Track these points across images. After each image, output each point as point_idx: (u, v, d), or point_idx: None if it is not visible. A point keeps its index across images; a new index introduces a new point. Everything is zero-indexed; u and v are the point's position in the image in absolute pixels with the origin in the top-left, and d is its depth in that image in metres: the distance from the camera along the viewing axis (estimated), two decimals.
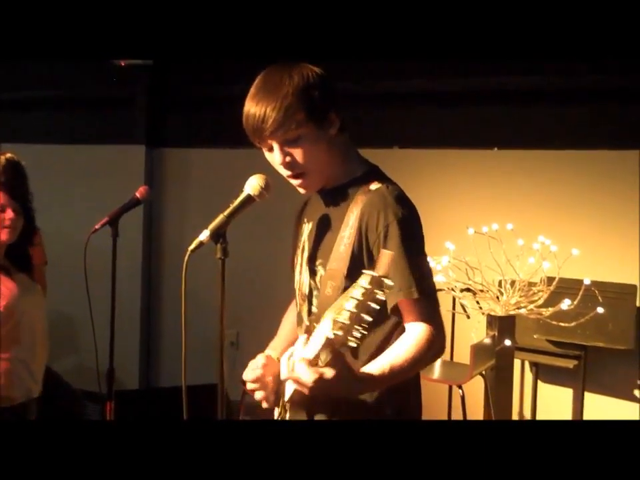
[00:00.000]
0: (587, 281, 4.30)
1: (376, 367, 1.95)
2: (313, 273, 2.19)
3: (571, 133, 5.18)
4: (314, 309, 2.18)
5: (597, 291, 4.43)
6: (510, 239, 4.41)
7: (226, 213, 2.14)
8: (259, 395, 2.21)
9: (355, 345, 1.76)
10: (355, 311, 1.70)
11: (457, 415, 4.83)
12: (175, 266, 6.64)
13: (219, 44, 2.25)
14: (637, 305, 4.82)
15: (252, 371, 2.22)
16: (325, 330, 1.76)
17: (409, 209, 2.07)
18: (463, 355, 4.87)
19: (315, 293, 2.18)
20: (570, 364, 4.96)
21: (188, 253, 2.11)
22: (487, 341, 4.44)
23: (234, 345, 6.00)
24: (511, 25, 2.14)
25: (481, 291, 4.39)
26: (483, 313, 4.58)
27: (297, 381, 1.86)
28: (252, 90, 2.11)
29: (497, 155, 5.41)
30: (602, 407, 5.14)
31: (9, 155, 3.53)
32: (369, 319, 1.71)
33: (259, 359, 2.25)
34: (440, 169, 5.44)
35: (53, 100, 6.62)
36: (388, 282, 1.72)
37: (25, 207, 3.15)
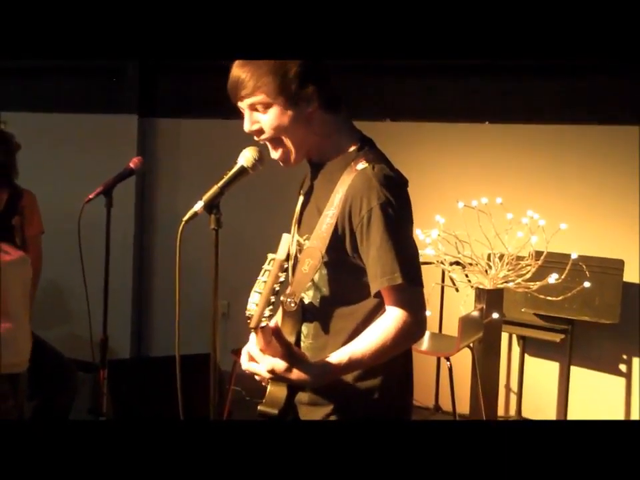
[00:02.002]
0: (574, 256, 4.35)
1: (337, 356, 1.99)
2: (299, 246, 2.21)
3: (561, 108, 5.21)
4: (290, 284, 2.17)
5: (584, 266, 4.49)
6: (499, 213, 4.46)
7: (220, 184, 2.14)
8: (258, 376, 2.18)
9: (265, 324, 1.86)
10: (262, 292, 1.84)
11: (444, 386, 4.88)
12: (167, 236, 6.71)
13: (217, 42, 2.25)
14: (623, 279, 4.85)
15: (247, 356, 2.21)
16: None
17: (395, 191, 2.06)
18: (451, 328, 4.93)
19: (296, 267, 2.17)
20: (557, 338, 5.03)
21: (182, 224, 2.11)
22: (475, 313, 4.49)
23: (225, 316, 6.05)
24: (510, 22, 2.15)
25: (470, 264, 4.44)
26: (472, 287, 4.63)
27: (253, 369, 1.97)
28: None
29: (488, 128, 5.43)
30: (588, 381, 5.21)
31: None
32: (273, 298, 1.84)
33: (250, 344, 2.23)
34: (431, 142, 5.46)
35: (46, 69, 6.59)
36: (286, 265, 1.88)
37: (8, 179, 3.17)
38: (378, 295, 2.04)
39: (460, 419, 4.76)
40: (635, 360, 5.12)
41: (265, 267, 1.87)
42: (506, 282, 4.45)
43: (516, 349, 5.36)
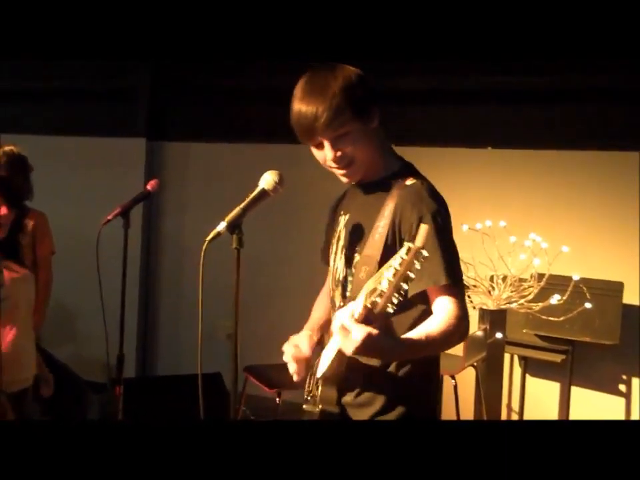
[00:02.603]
0: (575, 277, 4.44)
1: (414, 334, 2.06)
2: (348, 260, 2.33)
3: (563, 134, 5.29)
4: (348, 293, 2.31)
5: (584, 288, 4.57)
6: (502, 236, 4.55)
7: (242, 205, 2.25)
8: (292, 368, 2.37)
9: (392, 311, 1.86)
10: (393, 279, 1.82)
11: (449, 403, 4.94)
12: (173, 258, 6.77)
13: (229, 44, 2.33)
14: (623, 301, 4.93)
15: (292, 346, 2.41)
16: (362, 298, 1.88)
17: (441, 203, 2.20)
18: (455, 348, 4.99)
19: (349, 278, 2.31)
20: (557, 358, 5.08)
21: (206, 243, 2.20)
22: (479, 333, 4.56)
23: (230, 337, 6.10)
24: (509, 26, 2.23)
25: (474, 285, 4.52)
26: (474, 307, 4.70)
27: (346, 337, 1.92)
28: (298, 92, 2.21)
29: (491, 154, 5.53)
30: (588, 401, 5.27)
31: (8, 147, 3.61)
32: (406, 287, 1.82)
33: (301, 336, 2.44)
34: (435, 168, 5.40)
35: (56, 91, 6.67)
36: (424, 252, 1.82)
37: (19, 201, 3.24)
38: (423, 300, 2.15)
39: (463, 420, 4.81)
40: (635, 380, 5.19)
41: (400, 254, 1.84)
42: (509, 303, 4.52)
43: (517, 370, 5.41)
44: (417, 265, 1.82)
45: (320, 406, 2.16)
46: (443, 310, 2.10)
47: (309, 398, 2.32)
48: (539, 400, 5.39)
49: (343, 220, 2.42)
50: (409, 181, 2.22)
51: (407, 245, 1.85)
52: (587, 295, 4.58)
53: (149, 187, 3.52)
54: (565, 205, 5.29)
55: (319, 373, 2.25)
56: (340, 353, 2.06)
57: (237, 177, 6.03)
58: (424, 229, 1.91)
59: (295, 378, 2.36)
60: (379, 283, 1.84)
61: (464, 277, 4.35)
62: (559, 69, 5.06)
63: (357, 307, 1.90)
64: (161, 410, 4.36)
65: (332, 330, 2.13)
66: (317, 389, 2.22)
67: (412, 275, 1.82)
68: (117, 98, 6.54)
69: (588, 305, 4.53)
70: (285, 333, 6.34)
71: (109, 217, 3.41)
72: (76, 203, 6.30)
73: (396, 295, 1.83)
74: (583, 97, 5.13)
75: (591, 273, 4.83)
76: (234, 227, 2.23)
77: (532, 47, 2.33)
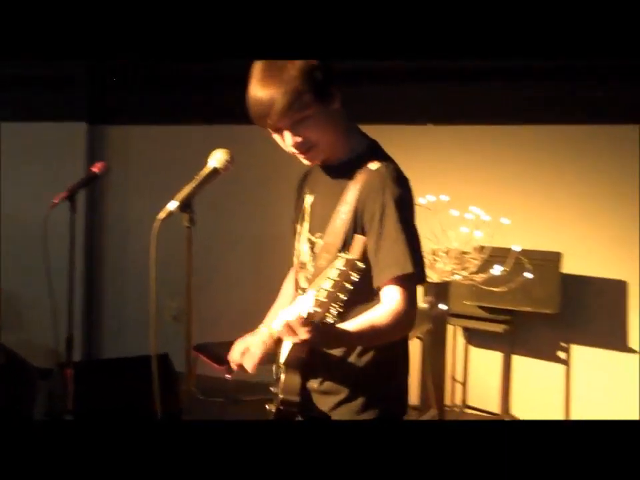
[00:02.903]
0: (516, 248, 4.53)
1: (359, 324, 2.04)
2: (311, 244, 2.31)
3: (500, 109, 5.38)
4: (310, 277, 2.29)
5: (524, 259, 4.67)
6: (445, 209, 4.62)
7: (193, 184, 2.25)
8: (248, 365, 2.39)
9: (331, 321, 1.85)
10: (331, 290, 1.82)
11: None
12: (117, 241, 6.71)
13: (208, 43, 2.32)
14: (562, 271, 5.07)
15: (242, 345, 2.43)
16: (307, 304, 1.86)
17: (405, 189, 2.15)
18: None
19: (312, 263, 2.29)
20: (499, 328, 5.19)
21: (158, 222, 2.17)
22: (424, 306, 4.64)
23: (176, 319, 6.11)
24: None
25: None
26: None
27: (291, 336, 1.92)
28: (255, 74, 2.12)
29: (432, 130, 5.61)
30: (529, 369, 5.41)
31: None
32: (344, 297, 1.82)
33: (255, 341, 2.41)
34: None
35: None
36: (360, 264, 1.83)
37: None
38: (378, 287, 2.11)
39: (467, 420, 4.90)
40: (574, 348, 5.33)
41: (337, 265, 1.84)
42: (452, 275, 4.60)
43: (460, 341, 5.53)
44: (354, 277, 1.82)
45: (281, 395, 2.14)
46: (391, 299, 2.07)
47: (273, 388, 2.30)
48: (482, 370, 5.50)
49: (307, 200, 2.38)
50: (374, 165, 2.17)
51: (343, 256, 1.84)
52: (527, 265, 4.68)
53: (95, 170, 3.50)
54: (504, 179, 5.39)
55: (282, 358, 2.24)
56: (296, 344, 2.05)
57: (179, 160, 6.03)
58: (359, 240, 1.93)
59: (250, 370, 2.37)
60: (319, 292, 1.84)
61: None
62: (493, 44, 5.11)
63: (302, 309, 1.88)
64: (111, 393, 4.36)
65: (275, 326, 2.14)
66: (281, 374, 2.20)
67: (348, 286, 1.82)
68: (56, 82, 6.42)
69: (528, 275, 4.63)
70: (232, 313, 6.40)
71: (56, 200, 3.38)
72: (16, 189, 6.21)
73: (334, 305, 1.83)
74: (520, 72, 5.20)
75: (530, 245, 4.92)
76: (185, 205, 2.23)
77: (468, 28, 2.36)
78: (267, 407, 2.33)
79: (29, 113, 6.47)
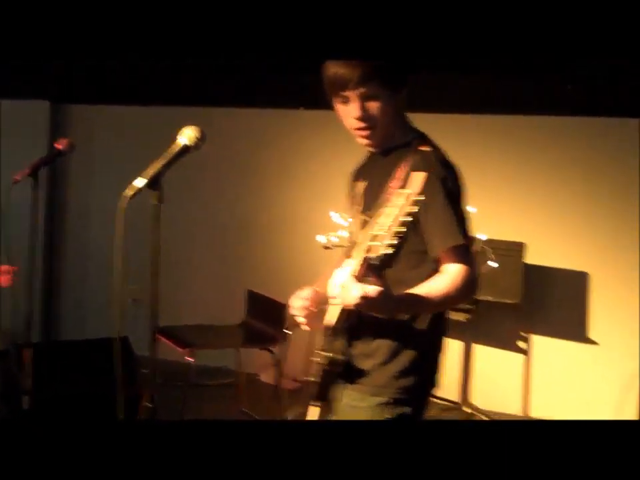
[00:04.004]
0: (482, 237, 4.55)
1: (417, 291, 2.13)
2: (364, 222, 2.32)
3: (465, 98, 5.40)
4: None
5: (487, 248, 4.69)
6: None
7: (162, 161, 2.22)
8: (302, 319, 2.36)
9: (390, 251, 1.88)
10: (389, 222, 1.86)
11: None
12: (77, 220, 6.61)
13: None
14: (525, 261, 5.11)
15: (299, 299, 2.37)
16: (362, 247, 1.93)
17: (452, 170, 2.27)
18: None
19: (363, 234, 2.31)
20: (462, 317, 5.18)
21: (126, 199, 2.15)
22: None
23: (137, 301, 6.07)
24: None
25: None
26: None
27: (343, 295, 1.98)
28: (331, 62, 2.25)
29: None
30: (490, 358, 5.45)
31: None
32: (403, 229, 1.86)
33: (306, 291, 2.39)
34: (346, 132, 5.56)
35: None
36: (419, 197, 1.87)
37: None
38: (435, 261, 2.21)
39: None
40: (534, 338, 5.38)
41: (396, 200, 1.88)
42: None
43: None
44: (414, 209, 1.86)
45: (329, 354, 2.18)
46: (452, 268, 2.16)
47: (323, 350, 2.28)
48: (444, 358, 5.50)
49: (361, 186, 2.46)
50: (424, 148, 2.26)
51: (401, 191, 1.90)
52: (491, 255, 4.70)
53: (59, 146, 3.43)
54: (470, 168, 5.36)
55: (328, 325, 2.25)
56: (344, 308, 2.10)
57: (144, 139, 5.98)
58: (419, 176, 1.95)
59: (305, 328, 2.37)
60: (375, 229, 1.89)
61: None
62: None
63: (355, 263, 1.95)
64: (71, 375, 4.31)
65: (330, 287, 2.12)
66: (327, 339, 2.22)
67: (407, 219, 1.86)
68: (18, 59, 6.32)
69: (493, 264, 4.65)
70: (194, 296, 6.36)
71: (18, 177, 3.32)
72: None
73: (393, 237, 1.87)
74: (486, 62, 5.20)
75: (494, 234, 4.94)
76: (154, 183, 2.21)
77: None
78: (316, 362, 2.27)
79: None
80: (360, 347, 2.30)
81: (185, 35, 2.29)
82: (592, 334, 5.22)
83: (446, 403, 5.41)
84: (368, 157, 2.51)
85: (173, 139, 2.32)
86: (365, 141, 2.35)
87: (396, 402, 2.27)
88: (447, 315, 2.43)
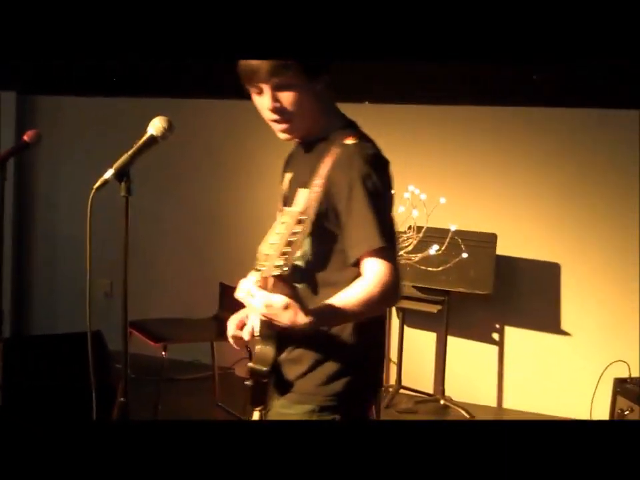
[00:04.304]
0: (453, 228, 4.55)
1: (329, 302, 2.05)
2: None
3: (437, 88, 5.37)
4: None
5: (459, 239, 4.70)
6: None
7: (130, 152, 2.20)
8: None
9: (278, 273, 1.88)
10: (278, 242, 1.86)
11: None
12: (45, 213, 6.56)
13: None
14: (496, 252, 5.12)
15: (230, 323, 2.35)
16: (251, 277, 1.94)
17: (376, 166, 2.15)
18: None
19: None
20: (434, 309, 5.23)
21: (93, 192, 2.12)
22: None
23: (108, 295, 6.03)
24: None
25: None
26: None
27: (248, 302, 1.98)
28: None
29: (369, 108, 5.58)
30: (463, 350, 5.47)
31: None
32: (289, 249, 1.86)
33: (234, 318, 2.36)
34: None
35: None
36: (302, 217, 1.88)
37: None
38: (355, 263, 2.12)
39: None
40: (507, 329, 5.41)
41: (280, 219, 1.90)
42: None
43: (395, 321, 5.54)
44: (298, 229, 1.86)
45: (250, 364, 2.11)
46: (370, 273, 2.08)
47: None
48: (417, 350, 5.54)
49: (287, 178, 2.41)
50: (348, 140, 2.19)
51: (286, 210, 1.90)
52: (462, 246, 4.70)
53: (26, 138, 3.38)
54: (441, 158, 5.42)
55: (256, 330, 2.21)
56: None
57: (111, 131, 5.94)
58: (302, 193, 1.97)
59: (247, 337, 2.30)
60: (266, 248, 1.90)
61: None
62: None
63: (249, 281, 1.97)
64: (42, 370, 4.27)
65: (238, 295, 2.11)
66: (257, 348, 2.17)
67: (293, 239, 1.86)
68: None
69: (464, 255, 4.66)
70: (166, 290, 6.32)
71: None
72: None
73: (282, 259, 1.87)
74: (455, 52, 5.20)
75: (466, 225, 4.95)
76: (122, 174, 2.18)
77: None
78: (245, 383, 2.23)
79: None
80: (287, 354, 2.25)
81: (158, 29, 2.26)
82: (565, 325, 5.25)
83: (421, 395, 5.43)
84: (294, 149, 2.45)
85: (143, 130, 2.29)
86: (283, 135, 2.28)
87: (323, 409, 2.20)
88: (381, 314, 2.35)
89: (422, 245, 4.53)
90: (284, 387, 2.23)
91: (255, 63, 2.14)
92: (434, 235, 4.62)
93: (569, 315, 5.24)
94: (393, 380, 5.52)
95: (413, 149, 5.43)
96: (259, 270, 1.95)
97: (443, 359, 5.35)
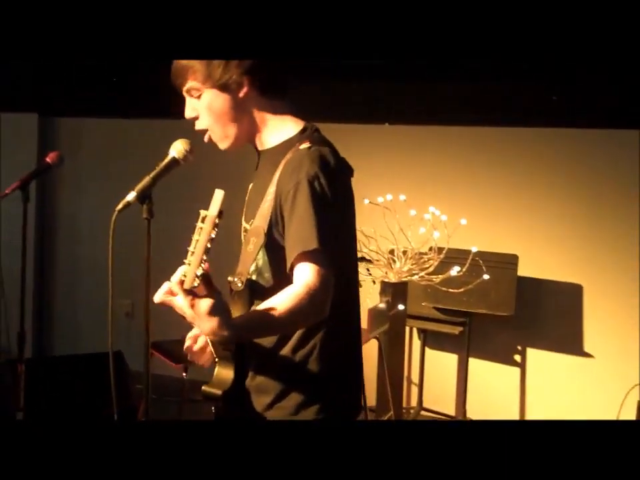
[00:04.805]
0: (474, 249, 4.53)
1: (249, 314, 2.03)
2: (245, 231, 2.26)
3: (458, 110, 5.35)
4: (238, 265, 2.21)
5: (480, 260, 4.67)
6: (403, 209, 4.61)
7: (151, 174, 2.18)
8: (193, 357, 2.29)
9: (196, 284, 1.88)
10: (195, 250, 1.90)
11: None
12: (67, 234, 6.60)
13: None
14: (518, 273, 5.08)
15: (187, 339, 2.31)
16: (174, 277, 1.94)
17: (325, 170, 2.06)
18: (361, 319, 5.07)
19: (243, 248, 2.21)
20: (455, 330, 5.21)
21: (115, 213, 2.10)
22: (382, 305, 4.61)
23: (129, 315, 6.04)
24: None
25: (377, 259, 4.57)
26: (373, 281, 4.74)
27: (171, 303, 1.95)
28: None
29: (389, 129, 5.59)
30: (485, 372, 5.43)
31: None
32: (204, 257, 1.89)
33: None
34: (336, 143, 5.53)
35: None
36: (217, 220, 1.90)
37: None
38: (291, 269, 2.03)
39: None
40: (529, 351, 5.36)
41: (198, 224, 1.88)
42: (410, 275, 4.59)
43: (417, 342, 5.52)
44: (214, 234, 1.88)
45: (202, 387, 2.08)
46: (297, 281, 1.99)
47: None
48: (438, 372, 5.51)
49: (248, 190, 2.38)
50: (303, 145, 2.12)
51: (202, 213, 1.88)
52: (483, 267, 4.68)
53: (48, 160, 3.41)
54: (463, 179, 5.40)
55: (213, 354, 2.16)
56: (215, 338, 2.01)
57: (132, 152, 5.98)
58: (218, 194, 1.94)
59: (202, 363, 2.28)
60: (188, 256, 1.88)
61: (365, 250, 4.46)
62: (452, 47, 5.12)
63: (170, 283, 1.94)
64: (64, 390, 4.28)
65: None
66: (216, 362, 2.12)
67: (209, 245, 1.87)
68: (6, 72, 6.32)
69: (486, 276, 4.63)
70: None
71: (7, 191, 3.30)
72: None
73: (202, 267, 1.86)
74: (480, 75, 5.21)
75: (487, 246, 4.93)
76: (144, 196, 2.17)
77: (432, 28, 2.35)
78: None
79: None
80: (251, 380, 2.18)
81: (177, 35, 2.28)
82: (587, 347, 5.19)
83: (442, 416, 5.39)
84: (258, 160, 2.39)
85: (165, 152, 2.30)
86: (221, 145, 2.28)
87: None
88: (353, 333, 2.27)
89: (443, 266, 4.53)
90: (254, 418, 2.17)
91: (174, 70, 2.19)
92: (455, 256, 4.61)
93: (591, 336, 5.18)
94: (414, 402, 5.49)
95: (434, 171, 5.44)
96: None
97: (464, 381, 5.32)
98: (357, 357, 2.29)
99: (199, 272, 1.86)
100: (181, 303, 1.90)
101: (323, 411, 2.13)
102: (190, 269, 1.87)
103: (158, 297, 2.00)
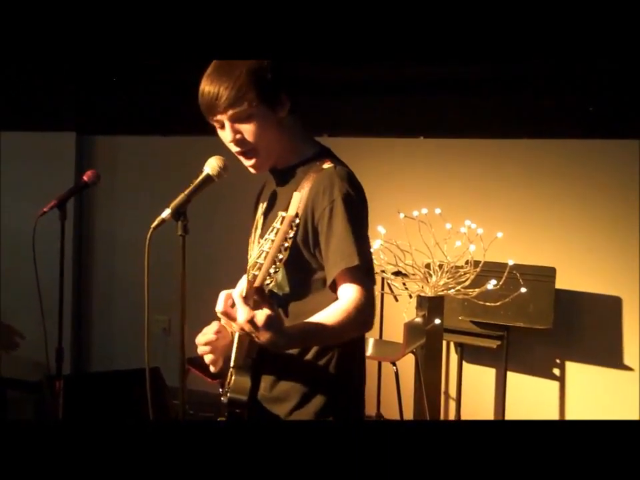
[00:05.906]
0: (510, 262, 4.50)
1: (303, 325, 2.04)
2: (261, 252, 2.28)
3: (494, 123, 5.37)
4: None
5: (517, 274, 4.64)
6: (438, 223, 4.58)
7: (186, 191, 2.20)
8: (208, 358, 2.29)
9: (269, 282, 1.90)
10: (269, 250, 1.88)
11: (391, 389, 4.96)
12: (104, 251, 6.66)
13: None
14: (556, 286, 5.02)
15: (203, 335, 2.29)
16: (242, 282, 1.93)
17: (355, 187, 2.16)
18: (391, 334, 5.05)
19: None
20: (493, 344, 5.17)
21: (151, 230, 2.13)
22: (418, 320, 4.59)
23: (166, 331, 6.07)
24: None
25: (413, 274, 4.55)
26: (410, 295, 4.73)
27: (228, 316, 1.98)
28: (207, 71, 2.19)
29: (424, 143, 5.59)
30: (524, 386, 5.37)
31: None
32: (282, 256, 1.88)
33: (213, 325, 2.31)
34: (370, 157, 5.54)
35: None
36: (297, 220, 1.89)
37: None
38: (332, 286, 2.11)
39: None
40: (568, 364, 5.31)
41: (274, 224, 1.90)
42: (446, 289, 4.57)
43: (454, 356, 5.48)
44: (291, 234, 1.88)
45: (228, 394, 2.09)
46: (345, 297, 2.06)
47: (226, 389, 2.19)
48: (476, 386, 5.47)
49: (260, 209, 2.41)
50: (326, 165, 2.19)
51: (280, 214, 1.90)
52: (520, 280, 4.64)
53: (85, 178, 3.46)
54: (499, 192, 5.38)
55: (232, 360, 2.19)
56: (241, 339, 2.08)
57: (167, 169, 6.02)
58: (296, 196, 1.96)
59: (212, 369, 2.30)
60: (258, 257, 1.90)
61: (401, 265, 4.45)
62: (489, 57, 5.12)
63: (242, 285, 1.95)
64: (102, 406, 4.30)
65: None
66: (232, 377, 2.13)
67: (286, 245, 1.87)
68: (45, 91, 6.40)
69: (523, 289, 4.60)
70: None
71: (45, 209, 3.34)
72: (7, 199, 6.17)
73: (274, 266, 1.88)
74: (514, 86, 5.20)
75: (524, 259, 4.91)
76: (179, 213, 2.19)
77: (464, 38, 2.35)
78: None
79: (19, 121, 6.40)
80: (268, 392, 2.23)
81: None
82: (627, 360, 5.13)
83: None
84: (267, 179, 2.43)
85: (199, 169, 2.31)
86: (253, 170, 2.28)
87: None
88: (360, 343, 2.33)
89: (479, 280, 4.50)
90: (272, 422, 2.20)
91: (211, 95, 2.14)
92: (491, 269, 4.59)
93: (631, 349, 5.12)
94: (452, 415, 5.45)
95: (469, 184, 5.42)
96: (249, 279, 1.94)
97: (502, 395, 5.27)
98: (364, 361, 2.37)
99: (272, 271, 1.89)
100: (241, 314, 1.91)
101: (340, 414, 2.21)
102: (263, 268, 1.90)
103: (221, 306, 2.05)
